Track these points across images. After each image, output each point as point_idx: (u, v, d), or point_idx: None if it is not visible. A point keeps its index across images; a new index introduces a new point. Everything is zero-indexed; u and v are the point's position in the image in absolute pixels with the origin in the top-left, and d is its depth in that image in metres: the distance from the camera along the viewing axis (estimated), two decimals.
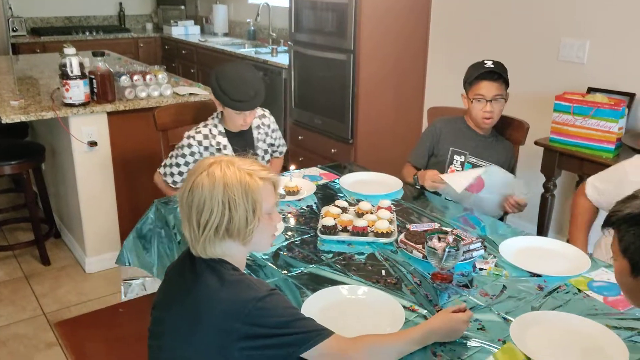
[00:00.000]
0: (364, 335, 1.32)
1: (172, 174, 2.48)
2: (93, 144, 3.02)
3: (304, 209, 2.17)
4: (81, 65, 2.92)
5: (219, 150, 2.45)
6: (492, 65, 2.32)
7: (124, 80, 3.08)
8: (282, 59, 4.73)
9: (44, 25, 6.30)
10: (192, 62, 5.81)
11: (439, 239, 1.64)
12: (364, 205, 2.05)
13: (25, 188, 3.22)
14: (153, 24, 6.68)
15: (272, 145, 2.69)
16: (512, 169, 2.52)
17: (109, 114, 3.05)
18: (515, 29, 3.51)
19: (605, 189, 2.15)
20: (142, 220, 2.23)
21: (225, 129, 2.48)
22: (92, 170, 3.09)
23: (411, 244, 1.79)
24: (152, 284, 2.35)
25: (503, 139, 2.51)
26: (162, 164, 2.52)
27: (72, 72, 2.88)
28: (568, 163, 2.96)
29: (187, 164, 2.46)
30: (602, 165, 2.82)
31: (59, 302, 2.95)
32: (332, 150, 4.12)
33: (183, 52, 5.94)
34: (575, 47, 3.22)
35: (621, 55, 3.03)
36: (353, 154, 4.00)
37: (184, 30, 6.26)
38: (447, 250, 1.59)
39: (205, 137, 2.44)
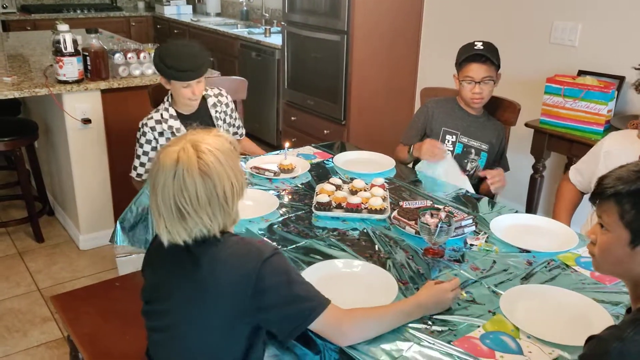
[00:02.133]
0: (356, 308, 1.36)
1: (135, 167, 2.46)
2: (87, 121, 3.03)
3: (298, 187, 2.19)
4: (75, 42, 2.91)
5: (173, 134, 2.40)
6: (482, 47, 2.34)
7: (118, 57, 3.08)
8: (276, 39, 4.72)
9: (34, 2, 6.23)
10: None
11: (432, 215, 1.68)
12: (358, 183, 2.08)
13: (18, 165, 3.22)
14: (145, 2, 6.62)
15: (232, 125, 2.65)
16: (502, 150, 2.55)
17: (103, 91, 3.05)
18: (508, 11, 3.53)
19: (584, 168, 2.24)
20: (136, 198, 2.24)
21: (177, 111, 2.43)
22: (86, 148, 3.10)
23: (404, 220, 1.83)
24: None
25: (495, 119, 2.54)
26: (137, 164, 2.49)
27: (65, 48, 2.87)
28: (558, 145, 3.01)
29: (145, 153, 2.43)
30: (590, 147, 2.88)
31: (53, 278, 2.98)
32: (325, 131, 4.14)
33: (175, 31, 5.91)
34: (567, 30, 3.25)
35: (612, 39, 3.06)
36: (346, 134, 4.03)
37: (176, 10, 6.21)
38: (439, 226, 1.63)
39: (158, 122, 2.40)
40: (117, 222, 2.29)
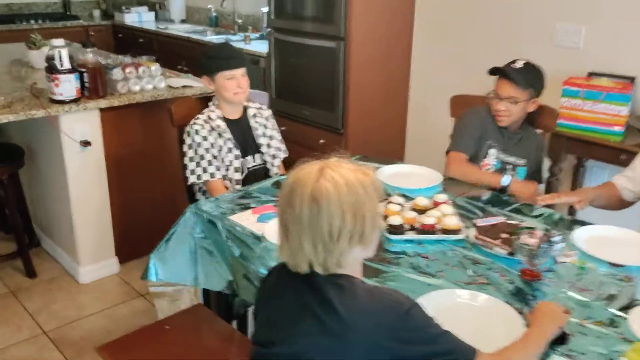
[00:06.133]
0: (501, 351, 1.25)
1: (205, 170, 2.33)
2: (86, 143, 2.77)
3: None
4: (70, 58, 2.66)
5: (220, 135, 2.36)
6: (518, 67, 2.29)
7: (116, 73, 2.83)
8: (257, 46, 4.54)
9: None
10: (151, 52, 5.46)
11: (529, 235, 1.59)
12: (421, 201, 1.97)
13: (6, 194, 2.91)
14: (101, 10, 6.26)
15: (274, 140, 2.56)
16: (539, 167, 2.49)
17: (102, 110, 2.80)
18: (508, 13, 3.50)
19: (633, 175, 2.19)
20: (175, 229, 2.05)
21: (223, 115, 2.41)
22: (85, 172, 2.84)
23: (490, 240, 1.73)
24: (188, 294, 2.18)
25: (533, 132, 2.45)
26: (189, 171, 2.35)
27: (62, 65, 2.62)
28: (576, 147, 2.99)
29: (207, 150, 2.34)
30: (611, 149, 2.89)
31: (57, 318, 2.70)
32: (320, 141, 4.01)
33: (140, 40, 5.61)
34: (571, 32, 3.26)
35: (618, 40, 3.07)
36: (344, 144, 3.90)
37: (138, 17, 5.91)
38: (542, 246, 1.54)
39: (205, 121, 2.37)
40: (150, 257, 2.09)
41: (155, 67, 2.98)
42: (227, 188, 2.35)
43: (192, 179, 2.33)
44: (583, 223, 1.95)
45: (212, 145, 2.33)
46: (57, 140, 2.76)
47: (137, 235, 3.10)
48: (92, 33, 5.86)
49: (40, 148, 3.01)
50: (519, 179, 2.39)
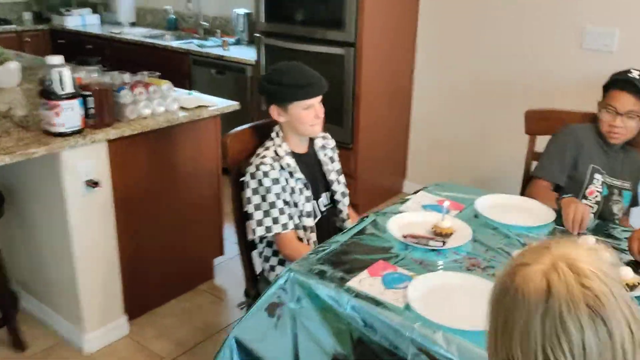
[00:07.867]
0: None
1: (276, 220, 1.87)
2: (94, 184, 2.24)
3: (478, 257, 1.70)
4: (74, 79, 2.12)
5: (290, 174, 1.92)
6: (635, 77, 2.01)
7: (125, 95, 2.31)
8: (238, 53, 4.07)
9: None
10: (102, 60, 4.83)
11: None
12: None
13: None
14: (33, 13, 5.48)
15: (342, 176, 2.16)
16: (637, 189, 2.25)
17: (110, 141, 2.28)
18: (528, 17, 3.28)
19: None
20: (267, 294, 1.61)
21: (290, 150, 1.98)
22: (91, 219, 2.30)
23: None
24: None
25: (635, 153, 2.19)
26: (255, 222, 1.89)
27: (63, 89, 2.07)
28: None
29: (278, 195, 1.88)
30: None
31: None
32: None
33: (88, 46, 4.94)
34: (603, 35, 3.08)
35: None
36: (353, 159, 3.54)
37: (81, 20, 5.22)
38: None
39: (274, 159, 1.90)
40: (230, 334, 1.66)
41: (167, 86, 2.47)
42: (300, 239, 1.93)
43: (259, 231, 1.88)
44: None
45: (283, 189, 1.88)
46: (54, 182, 2.20)
47: (147, 287, 2.61)
48: (28, 39, 5.12)
49: (26, 191, 2.42)
50: (625, 205, 2.15)
